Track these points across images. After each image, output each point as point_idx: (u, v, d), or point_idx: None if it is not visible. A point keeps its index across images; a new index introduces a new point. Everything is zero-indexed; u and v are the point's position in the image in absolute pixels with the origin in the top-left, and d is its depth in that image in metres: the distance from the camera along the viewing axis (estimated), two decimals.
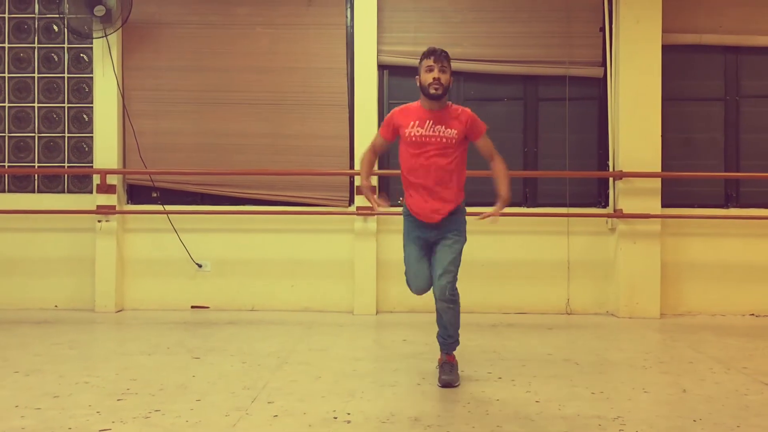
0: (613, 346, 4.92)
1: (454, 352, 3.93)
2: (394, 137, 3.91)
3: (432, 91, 3.71)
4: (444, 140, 3.75)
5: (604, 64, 6.17)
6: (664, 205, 6.01)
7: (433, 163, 3.76)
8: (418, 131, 3.76)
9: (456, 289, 3.80)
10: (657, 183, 6.00)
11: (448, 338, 3.90)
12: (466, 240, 3.91)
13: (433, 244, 3.87)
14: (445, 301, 3.79)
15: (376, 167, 6.00)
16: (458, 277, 6.11)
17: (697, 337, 5.15)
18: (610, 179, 6.13)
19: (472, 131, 3.82)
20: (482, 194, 6.18)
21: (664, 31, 6.04)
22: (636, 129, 5.99)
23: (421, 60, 3.78)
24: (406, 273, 3.94)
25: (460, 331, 3.93)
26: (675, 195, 6.14)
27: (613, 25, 6.11)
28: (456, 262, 3.81)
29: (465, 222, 3.93)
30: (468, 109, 3.86)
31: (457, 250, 3.82)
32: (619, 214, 5.96)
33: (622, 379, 3.95)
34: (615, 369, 4.21)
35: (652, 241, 5.98)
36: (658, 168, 5.98)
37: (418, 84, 3.82)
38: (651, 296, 5.96)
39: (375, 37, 6.08)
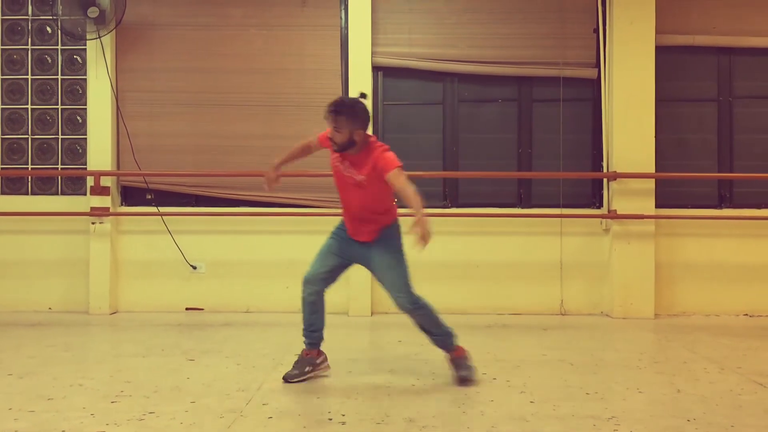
0: (608, 346, 4.93)
1: (459, 345, 3.95)
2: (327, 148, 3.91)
3: (333, 148, 3.73)
4: (357, 181, 3.75)
5: (598, 65, 6.19)
6: (658, 206, 6.03)
7: (353, 197, 3.80)
8: (338, 165, 3.80)
9: (414, 296, 3.80)
10: (651, 184, 6.02)
11: (440, 336, 3.92)
12: (402, 252, 3.84)
13: (360, 257, 3.89)
14: (410, 312, 3.81)
15: None
16: (452, 277, 6.15)
17: (692, 338, 5.17)
18: (604, 180, 6.14)
19: (381, 171, 3.65)
20: (476, 195, 6.21)
21: (657, 32, 6.06)
22: (630, 130, 6.00)
23: None
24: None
25: (451, 329, 3.94)
26: (669, 196, 6.16)
27: (607, 27, 6.13)
28: (400, 276, 3.79)
29: (397, 236, 3.88)
30: (381, 149, 3.70)
31: (396, 266, 3.80)
32: (613, 215, 5.98)
33: (616, 380, 3.95)
34: (609, 369, 4.22)
35: (647, 242, 5.99)
36: (651, 169, 6.00)
37: None
38: (645, 297, 5.97)
39: (369, 38, 6.09)
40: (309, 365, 3.93)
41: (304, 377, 3.89)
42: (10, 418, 3.19)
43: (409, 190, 3.57)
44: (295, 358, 4.02)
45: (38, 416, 3.23)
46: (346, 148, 3.70)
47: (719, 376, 4.01)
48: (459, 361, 3.91)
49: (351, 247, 3.90)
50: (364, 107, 3.74)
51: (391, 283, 3.79)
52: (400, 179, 3.61)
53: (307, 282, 3.89)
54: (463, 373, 3.84)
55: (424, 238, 3.39)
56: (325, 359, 4.04)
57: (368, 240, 3.84)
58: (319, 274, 3.88)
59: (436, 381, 3.89)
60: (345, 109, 3.66)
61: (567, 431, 3.05)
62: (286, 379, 3.85)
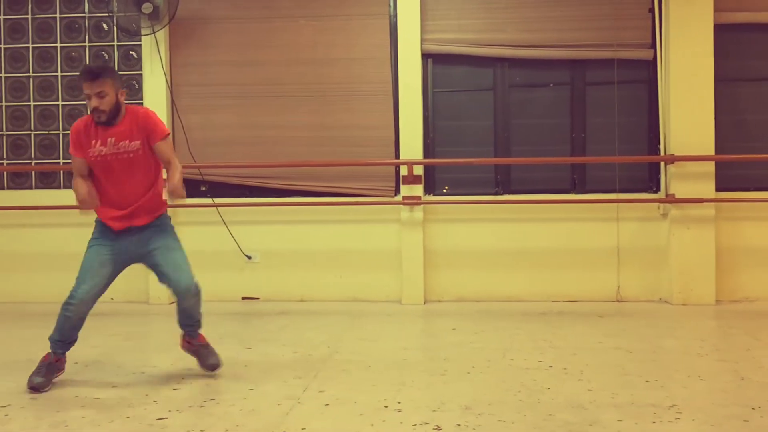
0: (667, 333, 4.82)
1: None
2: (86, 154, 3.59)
3: (96, 119, 3.50)
4: (131, 153, 3.55)
5: (653, 45, 6.03)
6: (718, 189, 5.85)
7: (124, 179, 3.58)
8: (100, 151, 3.53)
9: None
10: (710, 166, 5.85)
11: (198, 322, 3.86)
12: (178, 239, 3.81)
13: (135, 253, 3.68)
14: (191, 295, 3.65)
15: (421, 156, 6.02)
16: (506, 264, 6.11)
17: (755, 324, 5.02)
18: (662, 163, 6.00)
19: (151, 135, 3.57)
20: (528, 181, 6.14)
21: (715, 10, 5.86)
22: (688, 111, 5.84)
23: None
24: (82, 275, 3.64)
25: None
26: (729, 178, 5.97)
27: (663, 6, 5.95)
28: (183, 258, 3.72)
29: (171, 226, 3.85)
30: (145, 111, 3.60)
31: (179, 248, 3.75)
32: (671, 199, 5.84)
33: (676, 367, 3.87)
34: (669, 357, 4.14)
35: (707, 226, 5.83)
36: (711, 151, 5.83)
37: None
38: (706, 282, 5.82)
39: (418, 25, 6.06)
40: (58, 371, 3.67)
41: (50, 385, 3.63)
42: (77, 405, 3.30)
43: (176, 161, 3.60)
44: (349, 347, 4.05)
45: (104, 403, 3.34)
46: (114, 116, 3.50)
47: None
48: (206, 348, 3.90)
49: (122, 246, 3.66)
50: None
51: (176, 263, 3.63)
52: (169, 149, 3.61)
53: (79, 302, 3.56)
54: (212, 360, 3.84)
55: (176, 193, 3.47)
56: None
57: (145, 222, 3.65)
58: (93, 293, 3.62)
59: (492, 369, 3.87)
60: (107, 71, 3.50)
61: (626, 419, 3.00)
62: (37, 388, 3.52)
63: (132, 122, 3.56)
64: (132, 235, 3.67)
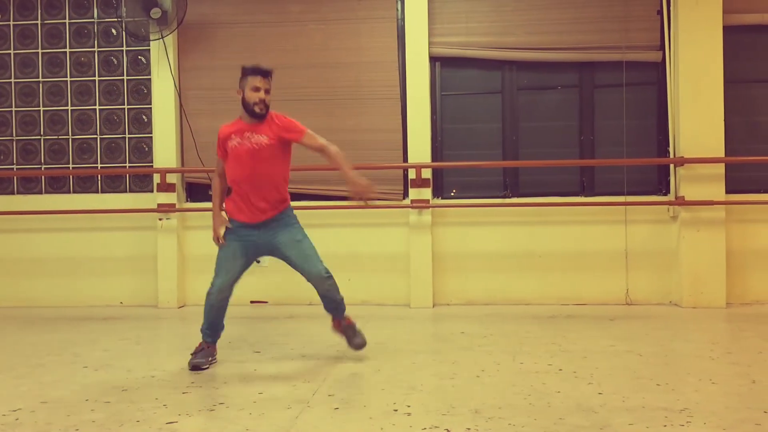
0: (678, 336, 4.80)
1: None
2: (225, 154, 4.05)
3: (259, 111, 3.96)
4: (263, 144, 3.92)
5: (662, 47, 6.01)
6: (728, 191, 5.83)
7: (256, 166, 3.92)
8: (240, 143, 3.95)
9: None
10: (721, 168, 5.82)
11: (341, 303, 4.20)
12: (303, 229, 4.10)
13: (265, 244, 4.02)
14: (326, 280, 4.07)
15: (429, 159, 6.02)
16: (514, 268, 6.10)
17: (766, 327, 4.98)
18: (671, 166, 5.97)
19: (292, 134, 3.99)
20: (537, 184, 6.12)
21: (724, 11, 5.85)
22: (697, 113, 5.82)
23: (247, 75, 4.01)
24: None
25: None
26: (740, 180, 5.94)
27: (671, 7, 5.94)
28: (311, 247, 4.07)
29: (296, 219, 4.12)
30: (280, 114, 4.04)
31: (304, 238, 4.05)
32: (681, 202, 5.81)
33: (688, 371, 3.85)
34: (680, 360, 4.11)
35: (717, 229, 5.80)
36: (721, 153, 5.80)
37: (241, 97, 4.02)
38: (716, 285, 5.79)
39: (426, 28, 6.06)
40: (211, 356, 4.10)
41: (209, 366, 4.05)
42: (87, 409, 3.31)
43: (332, 148, 3.98)
44: (358, 351, 4.12)
45: (113, 407, 3.34)
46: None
47: None
48: (353, 328, 4.22)
49: (252, 239, 4.01)
50: None
51: (305, 254, 4.00)
52: (317, 138, 3.98)
53: (220, 291, 4.04)
54: (358, 340, 4.19)
55: (364, 195, 3.87)
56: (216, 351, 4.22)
57: (271, 215, 3.96)
58: (227, 284, 4.07)
59: (501, 372, 3.85)
60: (271, 71, 4.04)
61: (638, 423, 2.98)
62: (198, 366, 3.98)
63: (269, 123, 3.99)
64: (258, 228, 3.99)
